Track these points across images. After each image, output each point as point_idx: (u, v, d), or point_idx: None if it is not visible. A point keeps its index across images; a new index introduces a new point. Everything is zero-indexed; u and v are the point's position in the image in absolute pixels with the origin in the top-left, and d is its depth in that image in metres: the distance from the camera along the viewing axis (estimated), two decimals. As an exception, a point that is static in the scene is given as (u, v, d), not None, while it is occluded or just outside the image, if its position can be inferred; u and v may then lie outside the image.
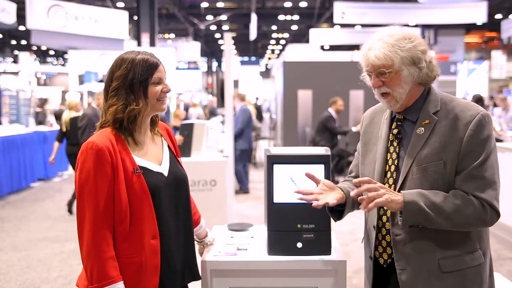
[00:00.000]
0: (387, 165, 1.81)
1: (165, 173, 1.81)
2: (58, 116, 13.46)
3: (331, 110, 8.26)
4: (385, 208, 1.79)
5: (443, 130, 1.69)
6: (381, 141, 1.85)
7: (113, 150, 1.68)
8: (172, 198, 1.81)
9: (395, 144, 1.80)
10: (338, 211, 1.88)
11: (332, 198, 1.75)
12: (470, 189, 1.65)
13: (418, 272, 1.70)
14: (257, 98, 22.80)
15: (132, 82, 1.73)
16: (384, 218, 1.80)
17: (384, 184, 1.79)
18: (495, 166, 1.68)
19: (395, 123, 1.82)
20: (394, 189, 1.75)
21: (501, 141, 7.79)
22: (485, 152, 1.65)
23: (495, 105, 11.97)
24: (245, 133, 8.14)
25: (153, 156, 1.81)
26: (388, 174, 1.80)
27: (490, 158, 1.66)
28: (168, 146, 1.92)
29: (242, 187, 8.28)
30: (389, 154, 1.81)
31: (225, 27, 25.71)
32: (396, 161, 1.78)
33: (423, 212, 1.63)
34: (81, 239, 1.67)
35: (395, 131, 1.81)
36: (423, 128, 1.72)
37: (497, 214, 1.65)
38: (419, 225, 1.67)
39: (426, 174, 1.68)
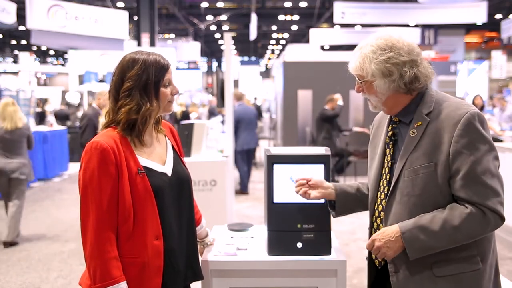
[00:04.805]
0: (383, 167, 1.81)
1: (169, 173, 1.81)
2: (58, 116, 13.50)
3: (327, 107, 8.32)
4: (379, 209, 1.79)
5: (434, 131, 1.66)
6: (380, 144, 1.86)
7: (117, 150, 1.68)
8: (175, 198, 1.81)
9: (390, 146, 1.80)
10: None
11: (315, 192, 1.88)
12: (468, 196, 1.59)
13: (410, 276, 1.69)
14: (255, 98, 22.80)
15: (146, 83, 1.73)
16: (378, 220, 1.80)
17: (379, 186, 1.80)
18: (492, 168, 1.60)
19: (390, 125, 1.82)
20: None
21: (501, 141, 7.79)
22: (477, 152, 1.59)
23: (494, 106, 11.99)
24: (247, 134, 8.11)
25: (157, 156, 1.81)
26: (383, 177, 1.80)
27: (484, 159, 1.59)
28: (172, 146, 1.92)
29: (242, 187, 8.28)
30: (385, 157, 1.81)
31: (225, 27, 25.71)
32: (390, 164, 1.78)
33: (426, 246, 1.63)
34: (84, 239, 1.67)
35: (390, 133, 1.81)
36: (415, 130, 1.70)
37: (501, 219, 1.60)
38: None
39: (417, 176, 1.66)
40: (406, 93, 1.72)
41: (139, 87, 1.73)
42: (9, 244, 5.44)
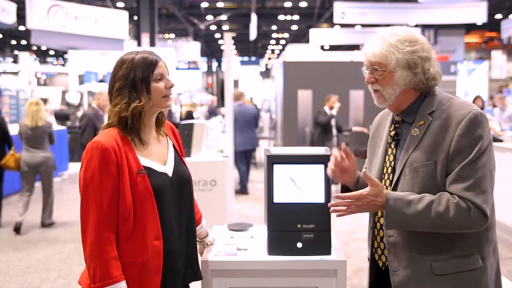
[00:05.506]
0: (385, 167, 1.81)
1: (170, 173, 1.81)
2: (58, 116, 13.50)
3: (326, 108, 8.31)
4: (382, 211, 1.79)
5: (436, 130, 1.67)
6: (382, 143, 1.86)
7: (118, 150, 1.69)
8: (175, 198, 1.81)
9: (392, 146, 1.80)
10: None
11: (346, 178, 1.88)
12: (458, 190, 1.60)
13: (410, 274, 1.69)
14: (251, 98, 22.75)
15: (134, 80, 1.74)
16: (382, 220, 1.80)
17: None
18: (487, 167, 1.61)
19: (393, 125, 1.82)
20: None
21: (501, 141, 7.79)
22: (476, 151, 1.59)
23: (494, 106, 12.00)
24: (243, 135, 8.10)
25: (158, 156, 1.82)
26: (386, 176, 1.80)
27: (481, 158, 1.60)
28: (173, 146, 1.92)
29: (242, 187, 8.28)
30: (387, 156, 1.81)
31: (225, 27, 25.72)
32: (392, 163, 1.78)
33: (404, 220, 1.63)
34: (84, 238, 1.67)
35: (392, 133, 1.81)
36: (417, 129, 1.71)
37: (485, 217, 1.59)
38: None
39: (417, 175, 1.66)
40: (419, 90, 1.73)
41: (128, 85, 1.74)
42: (47, 224, 6.31)
